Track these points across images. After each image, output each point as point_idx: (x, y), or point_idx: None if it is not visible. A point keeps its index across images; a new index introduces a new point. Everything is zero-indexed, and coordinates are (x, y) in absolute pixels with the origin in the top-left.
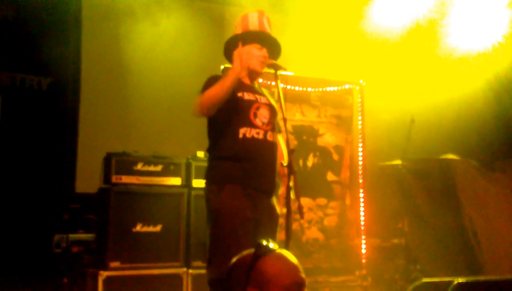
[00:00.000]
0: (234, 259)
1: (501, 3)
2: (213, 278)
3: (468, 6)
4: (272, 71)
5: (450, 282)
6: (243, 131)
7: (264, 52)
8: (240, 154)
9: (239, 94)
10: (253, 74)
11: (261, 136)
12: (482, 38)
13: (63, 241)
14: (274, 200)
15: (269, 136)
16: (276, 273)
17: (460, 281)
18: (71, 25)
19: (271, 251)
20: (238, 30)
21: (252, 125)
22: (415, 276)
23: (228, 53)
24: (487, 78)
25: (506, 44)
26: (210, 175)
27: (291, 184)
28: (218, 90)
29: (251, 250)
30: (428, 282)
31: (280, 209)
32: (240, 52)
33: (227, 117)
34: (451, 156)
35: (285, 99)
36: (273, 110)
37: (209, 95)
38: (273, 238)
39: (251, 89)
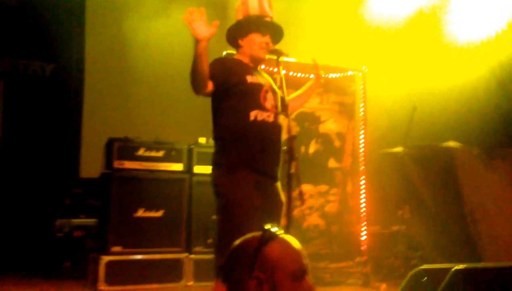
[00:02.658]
0: (237, 242)
1: None
2: (219, 264)
3: None
4: (274, 57)
5: (449, 269)
6: (254, 114)
7: (266, 38)
8: (251, 136)
9: (248, 77)
10: (256, 61)
11: (271, 119)
12: (486, 26)
13: (65, 225)
14: (279, 186)
15: (277, 119)
16: (283, 258)
17: (458, 268)
18: (74, 11)
19: (277, 236)
20: (239, 16)
21: (263, 108)
22: (415, 263)
23: (232, 40)
24: (490, 66)
25: (509, 32)
26: (220, 159)
27: (292, 170)
28: (192, 67)
29: (254, 234)
30: (427, 268)
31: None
32: (185, 18)
33: (235, 101)
34: (452, 143)
35: (287, 86)
36: (277, 95)
37: (190, 74)
38: (277, 223)
39: (257, 73)
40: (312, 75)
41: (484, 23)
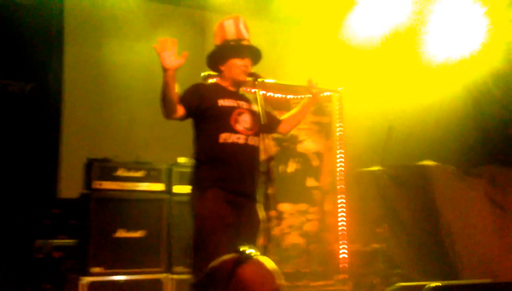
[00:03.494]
0: (213, 264)
1: (479, 12)
2: (195, 282)
3: (446, 14)
4: (251, 79)
5: (423, 286)
6: (224, 137)
7: (245, 62)
8: (220, 158)
9: (220, 101)
10: (237, 84)
11: (242, 141)
12: (461, 46)
13: (44, 246)
14: (257, 205)
15: (251, 141)
16: (256, 280)
17: (431, 285)
18: (53, 31)
19: (251, 257)
20: (217, 41)
21: (233, 131)
22: (394, 280)
23: (212, 66)
24: (465, 85)
25: (483, 52)
26: (193, 180)
27: (270, 191)
28: (161, 94)
29: (231, 255)
30: (403, 286)
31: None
32: (156, 47)
33: (208, 124)
34: (428, 162)
35: (265, 106)
36: (256, 116)
37: (159, 100)
38: (254, 243)
39: (234, 96)
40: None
41: (459, 43)
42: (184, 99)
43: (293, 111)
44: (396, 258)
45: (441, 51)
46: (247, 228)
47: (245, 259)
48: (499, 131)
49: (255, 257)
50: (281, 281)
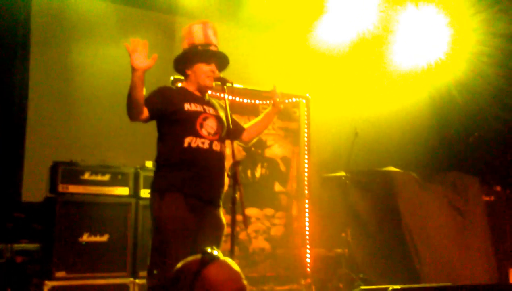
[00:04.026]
0: (179, 265)
1: (443, 22)
2: (151, 286)
3: (412, 24)
4: (219, 84)
5: (386, 289)
6: (188, 141)
7: (211, 67)
8: (184, 162)
9: (186, 105)
10: (203, 89)
11: (206, 146)
12: (425, 55)
13: (7, 250)
14: (220, 210)
15: (215, 146)
16: (221, 280)
17: (394, 288)
18: (19, 33)
19: (216, 258)
20: (185, 45)
21: (198, 135)
22: (357, 284)
23: (179, 70)
24: (429, 93)
25: (447, 61)
26: (153, 183)
27: (236, 195)
28: (127, 95)
29: (196, 257)
30: (365, 289)
31: (226, 219)
32: (128, 46)
33: (173, 128)
34: (391, 168)
35: (233, 111)
36: (221, 122)
37: (126, 101)
38: (217, 247)
39: (200, 101)
40: (268, 101)
41: (424, 52)
42: (149, 101)
43: (256, 120)
44: (360, 262)
45: (407, 60)
46: (209, 233)
47: (210, 259)
48: (460, 138)
49: (220, 257)
50: (245, 282)
